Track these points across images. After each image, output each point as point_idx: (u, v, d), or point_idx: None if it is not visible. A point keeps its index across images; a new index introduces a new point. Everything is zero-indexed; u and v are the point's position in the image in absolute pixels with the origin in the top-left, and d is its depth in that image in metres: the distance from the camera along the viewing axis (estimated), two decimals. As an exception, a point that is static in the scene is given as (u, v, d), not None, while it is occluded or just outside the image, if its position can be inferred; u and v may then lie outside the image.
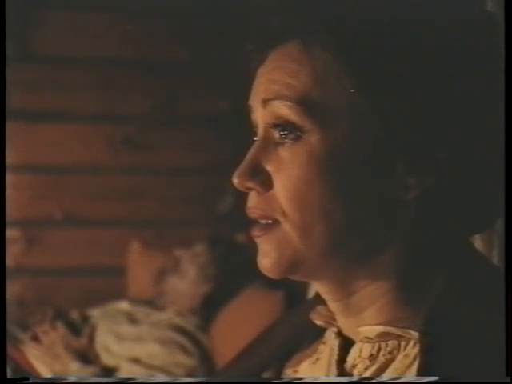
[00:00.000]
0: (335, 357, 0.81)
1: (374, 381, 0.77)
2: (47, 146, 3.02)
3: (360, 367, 0.78)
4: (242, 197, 0.81)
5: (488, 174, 0.78)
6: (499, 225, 0.89)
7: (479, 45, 0.78)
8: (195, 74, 3.07)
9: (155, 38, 3.03)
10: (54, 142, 3.03)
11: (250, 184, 0.78)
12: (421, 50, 0.75)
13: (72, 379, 1.04)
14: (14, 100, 2.68)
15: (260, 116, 0.79)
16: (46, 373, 2.34)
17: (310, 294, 0.95)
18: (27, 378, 0.97)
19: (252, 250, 0.80)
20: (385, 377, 0.76)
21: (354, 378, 0.78)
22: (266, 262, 0.78)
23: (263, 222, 0.78)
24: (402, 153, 0.75)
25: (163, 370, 2.33)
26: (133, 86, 3.05)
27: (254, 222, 0.78)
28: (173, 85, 3.07)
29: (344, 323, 0.81)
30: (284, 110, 0.76)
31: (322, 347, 0.84)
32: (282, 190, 0.76)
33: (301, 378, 0.84)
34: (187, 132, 3.09)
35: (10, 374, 1.95)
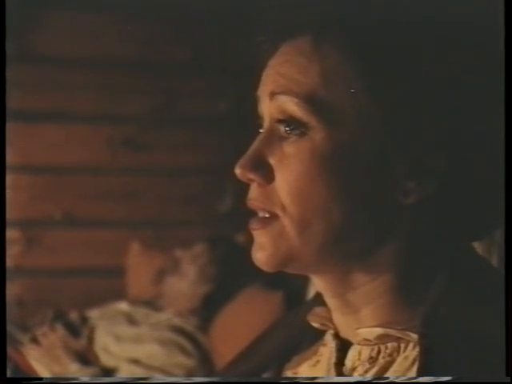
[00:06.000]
0: (333, 359, 0.81)
1: (381, 381, 0.77)
2: (47, 146, 3.02)
3: (360, 370, 0.78)
4: (241, 197, 0.81)
5: (489, 179, 0.78)
6: (498, 230, 0.89)
7: (490, 48, 0.77)
8: (195, 75, 3.07)
9: (155, 38, 3.03)
10: (53, 142, 3.03)
11: (251, 175, 0.78)
12: (429, 52, 0.74)
13: (85, 379, 1.04)
14: (13, 100, 2.67)
15: (267, 108, 0.78)
16: (45, 374, 2.34)
17: (310, 294, 0.95)
18: (40, 379, 0.97)
19: (252, 250, 0.80)
20: (390, 377, 0.76)
21: (367, 378, 0.78)
22: (261, 255, 0.78)
23: (261, 215, 0.78)
24: (403, 156, 0.75)
25: (163, 370, 2.33)
26: (132, 87, 3.04)
27: (254, 216, 0.79)
28: (172, 85, 3.07)
29: (341, 321, 0.81)
30: (290, 105, 0.75)
31: (322, 349, 0.84)
32: (283, 184, 0.76)
33: (314, 378, 0.84)
34: (187, 132, 3.09)
35: (9, 375, 1.95)
